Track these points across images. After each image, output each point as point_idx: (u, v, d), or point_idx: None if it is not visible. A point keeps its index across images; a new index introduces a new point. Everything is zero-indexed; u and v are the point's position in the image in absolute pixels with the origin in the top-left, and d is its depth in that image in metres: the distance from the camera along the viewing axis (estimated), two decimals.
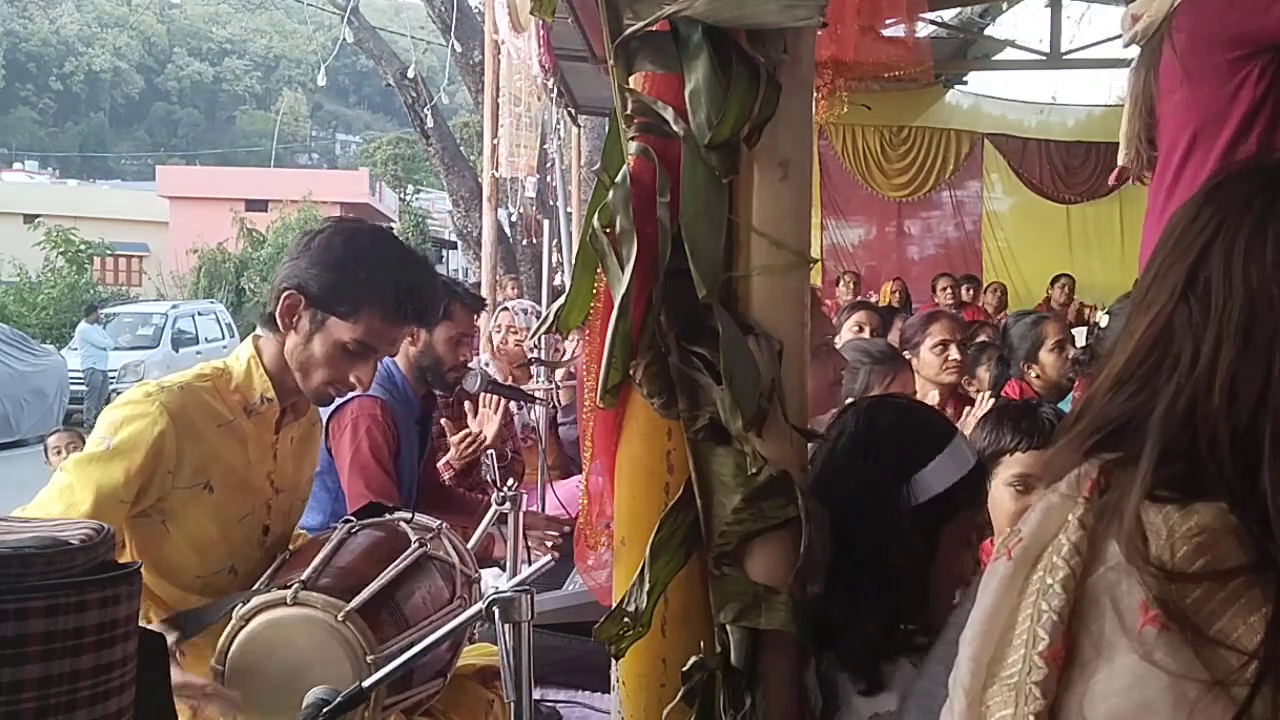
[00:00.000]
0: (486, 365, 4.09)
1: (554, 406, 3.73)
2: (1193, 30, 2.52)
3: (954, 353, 3.37)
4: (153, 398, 1.71)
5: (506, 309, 4.66)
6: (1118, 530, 0.73)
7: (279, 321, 1.82)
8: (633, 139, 1.25)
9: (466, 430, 3.29)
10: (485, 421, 3.33)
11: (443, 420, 3.40)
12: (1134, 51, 2.61)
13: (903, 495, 1.33)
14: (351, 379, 1.84)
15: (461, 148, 14.39)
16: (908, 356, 3.42)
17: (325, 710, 1.30)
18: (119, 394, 1.86)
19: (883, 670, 1.25)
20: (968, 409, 3.24)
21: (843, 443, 1.40)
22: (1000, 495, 1.95)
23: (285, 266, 1.84)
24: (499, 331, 4.50)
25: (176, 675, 1.54)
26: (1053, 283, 8.57)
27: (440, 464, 3.30)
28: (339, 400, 2.80)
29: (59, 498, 1.65)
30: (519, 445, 3.83)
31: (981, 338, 4.54)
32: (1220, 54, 2.46)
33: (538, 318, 4.24)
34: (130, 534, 1.74)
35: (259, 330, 1.88)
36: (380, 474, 2.74)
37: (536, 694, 2.01)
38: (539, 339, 3.78)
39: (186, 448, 1.72)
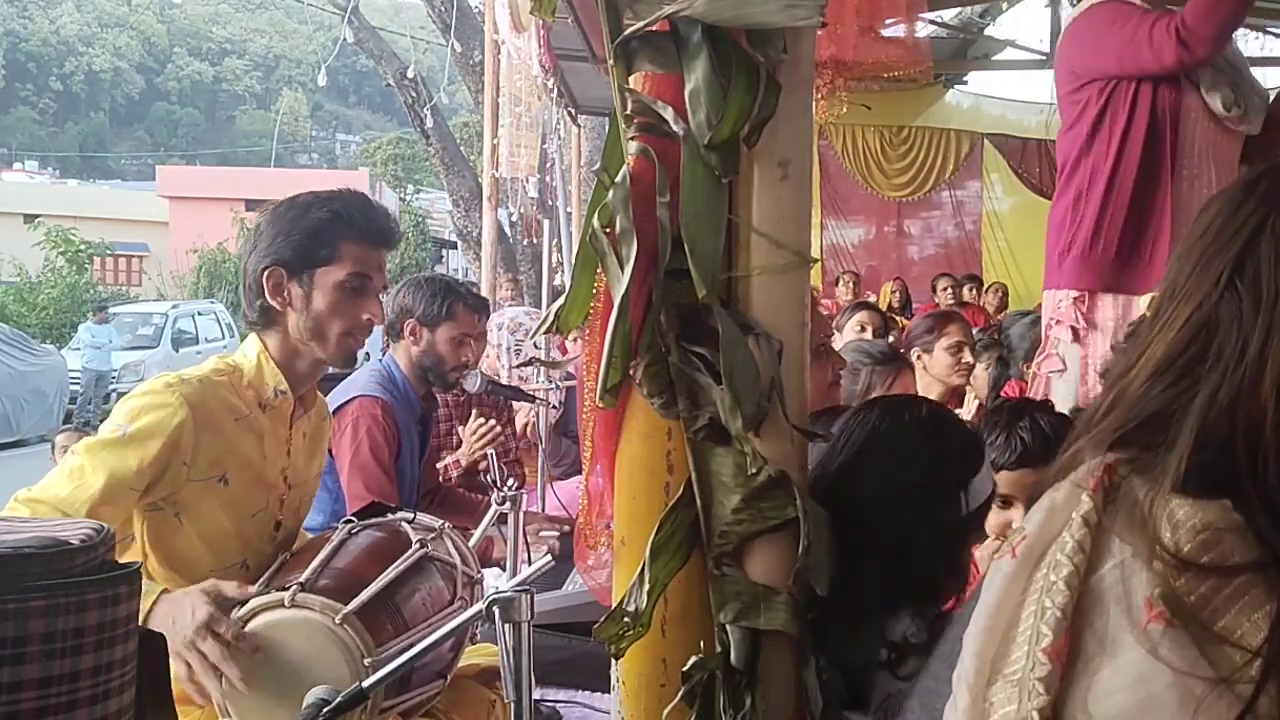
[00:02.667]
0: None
1: (556, 407, 3.73)
2: (1057, 63, 2.86)
3: (968, 356, 3.36)
4: (173, 388, 1.72)
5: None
6: (1129, 524, 0.73)
7: (273, 303, 1.83)
8: (633, 139, 1.25)
9: (481, 421, 3.29)
10: (465, 444, 3.34)
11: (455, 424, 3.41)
12: None
13: (959, 502, 1.34)
14: (364, 318, 1.87)
15: (461, 148, 14.38)
16: (916, 353, 3.42)
17: (325, 710, 1.29)
18: (118, 394, 1.86)
19: (869, 682, 1.25)
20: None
21: (881, 442, 1.38)
22: None
23: (249, 260, 1.86)
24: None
25: (208, 614, 1.54)
26: None
27: (448, 462, 3.31)
28: (340, 400, 2.81)
29: (69, 479, 1.64)
30: (519, 452, 3.83)
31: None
32: (1063, 86, 2.83)
33: (496, 331, 4.22)
34: (142, 526, 1.74)
35: (257, 328, 1.88)
36: (379, 474, 2.74)
37: (536, 694, 2.02)
38: (541, 339, 3.78)
39: (204, 440, 1.72)
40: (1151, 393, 0.79)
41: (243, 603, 1.61)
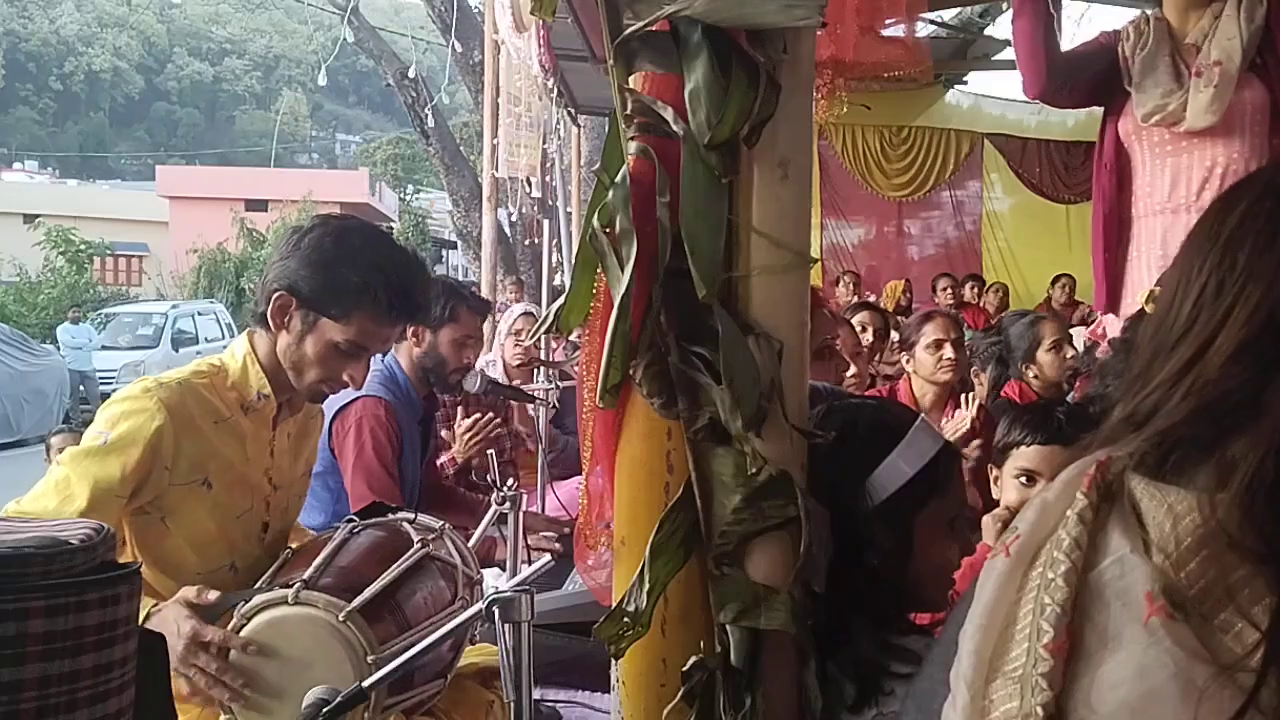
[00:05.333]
0: (491, 364, 4.10)
1: (554, 407, 3.73)
2: None
3: (949, 352, 3.37)
4: (150, 393, 1.72)
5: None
6: (1127, 520, 0.73)
7: (270, 322, 1.82)
8: (633, 139, 1.25)
9: (477, 417, 3.27)
10: (458, 441, 3.32)
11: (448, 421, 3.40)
12: None
13: (862, 498, 1.32)
14: (345, 377, 1.85)
15: (461, 148, 14.41)
16: (906, 357, 3.43)
17: (325, 710, 1.30)
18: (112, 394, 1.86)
19: (880, 685, 1.25)
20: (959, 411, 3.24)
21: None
22: (1008, 485, 2.02)
23: (275, 265, 1.83)
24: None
25: (191, 629, 1.54)
26: (1053, 282, 8.57)
27: (443, 460, 3.30)
28: (343, 400, 2.81)
29: (55, 491, 1.64)
30: (515, 453, 3.82)
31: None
32: None
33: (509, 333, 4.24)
34: (130, 531, 1.74)
35: (253, 327, 1.88)
36: (383, 474, 2.75)
37: (536, 694, 2.02)
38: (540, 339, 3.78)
39: (184, 443, 1.72)
40: (1230, 377, 0.76)
41: (247, 599, 1.61)
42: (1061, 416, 1.98)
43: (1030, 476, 1.97)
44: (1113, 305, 2.82)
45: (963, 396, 3.27)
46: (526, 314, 4.36)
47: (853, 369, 3.46)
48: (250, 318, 1.89)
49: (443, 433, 3.35)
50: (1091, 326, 3.01)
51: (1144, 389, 0.80)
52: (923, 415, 1.45)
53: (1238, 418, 0.74)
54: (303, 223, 1.91)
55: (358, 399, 2.82)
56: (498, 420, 3.30)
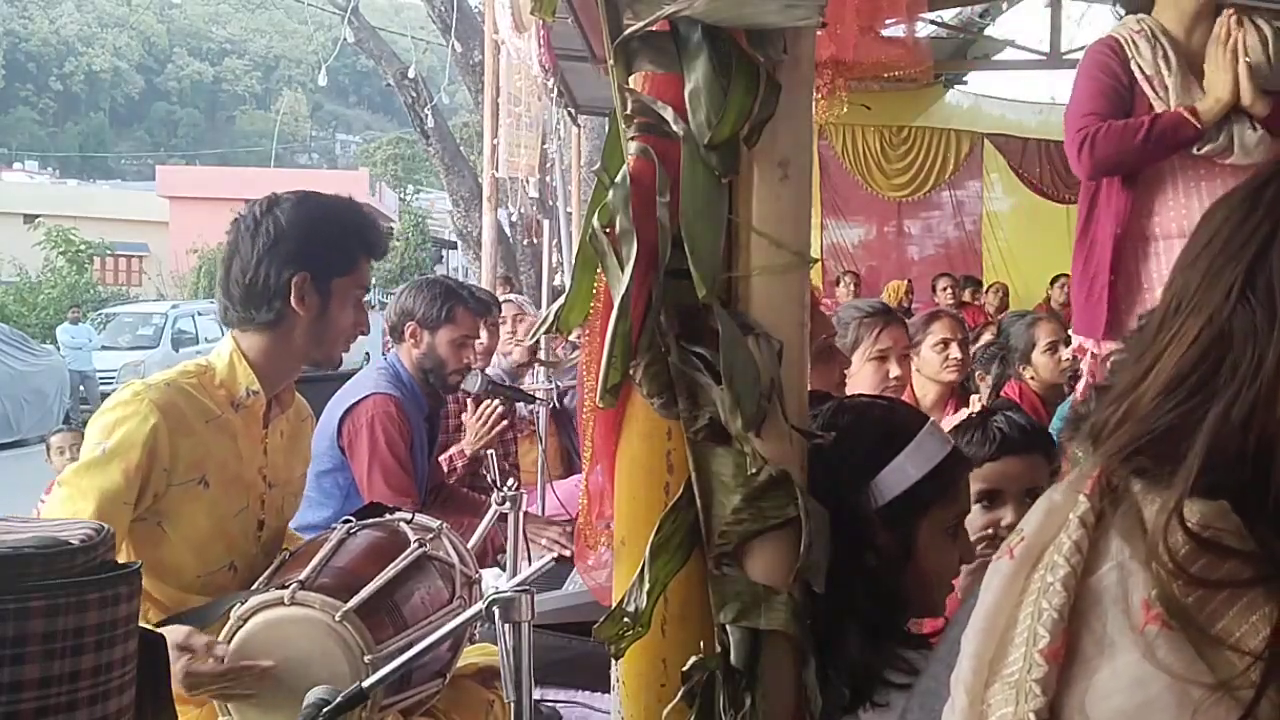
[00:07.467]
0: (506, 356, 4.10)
1: (556, 406, 3.73)
2: None
3: (955, 351, 3.37)
4: (141, 396, 1.72)
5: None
6: (1128, 526, 0.73)
7: (296, 308, 1.82)
8: (633, 139, 1.25)
9: (485, 404, 3.26)
10: (469, 432, 3.31)
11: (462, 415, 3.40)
12: None
13: (866, 498, 1.31)
14: (361, 328, 1.96)
15: (461, 148, 14.39)
16: (910, 355, 3.43)
17: (325, 710, 1.29)
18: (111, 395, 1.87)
19: (874, 691, 1.24)
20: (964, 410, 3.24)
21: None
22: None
23: (265, 257, 1.83)
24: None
25: (185, 663, 1.54)
26: (1053, 282, 8.57)
27: (452, 453, 3.30)
28: (352, 399, 2.82)
29: (61, 510, 1.65)
30: (516, 457, 3.82)
31: (986, 336, 4.58)
32: None
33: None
34: (127, 540, 1.73)
35: (237, 329, 1.88)
36: (399, 471, 2.75)
37: (536, 694, 2.01)
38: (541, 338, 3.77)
39: (180, 443, 1.72)
40: (1163, 409, 0.77)
41: (243, 600, 1.61)
42: (1002, 426, 1.87)
43: (991, 495, 1.85)
44: (1112, 332, 2.58)
45: (972, 398, 3.26)
46: (507, 301, 4.34)
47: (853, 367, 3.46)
48: (240, 320, 1.86)
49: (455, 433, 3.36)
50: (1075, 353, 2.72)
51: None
52: (932, 420, 1.43)
53: None
54: (243, 215, 1.92)
55: (368, 397, 2.82)
56: (503, 410, 3.29)
